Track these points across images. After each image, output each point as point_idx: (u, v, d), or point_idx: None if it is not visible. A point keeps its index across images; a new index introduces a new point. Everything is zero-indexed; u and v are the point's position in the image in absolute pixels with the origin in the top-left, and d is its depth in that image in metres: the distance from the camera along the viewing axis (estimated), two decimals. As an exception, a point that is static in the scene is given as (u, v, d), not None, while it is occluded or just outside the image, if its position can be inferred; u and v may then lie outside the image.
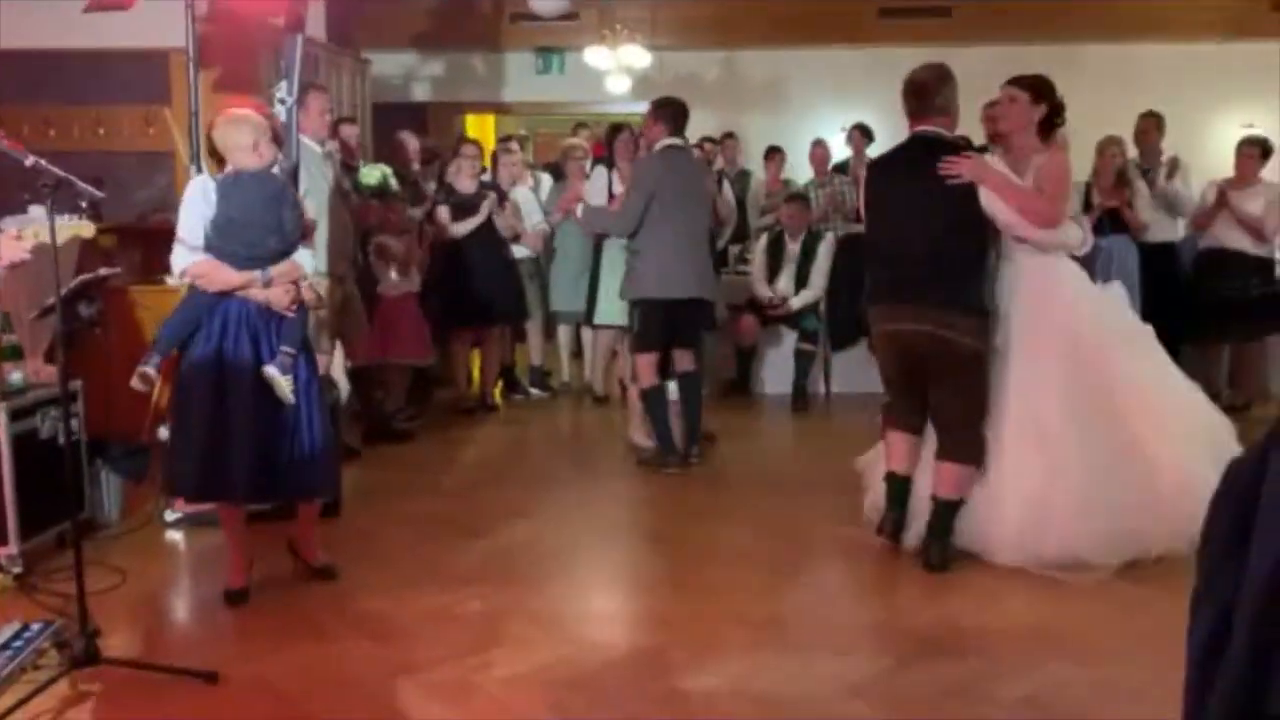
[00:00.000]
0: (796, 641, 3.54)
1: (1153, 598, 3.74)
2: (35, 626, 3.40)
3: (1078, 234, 4.28)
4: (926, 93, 4.12)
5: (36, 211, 5.34)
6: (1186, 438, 4.21)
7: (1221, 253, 6.83)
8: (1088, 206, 6.73)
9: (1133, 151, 6.93)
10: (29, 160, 2.92)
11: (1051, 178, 4.12)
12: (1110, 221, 6.71)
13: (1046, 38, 8.89)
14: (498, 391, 7.42)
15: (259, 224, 3.71)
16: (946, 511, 4.09)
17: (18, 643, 3.28)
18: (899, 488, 4.28)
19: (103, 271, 3.46)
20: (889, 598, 3.92)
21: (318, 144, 5.53)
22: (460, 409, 7.13)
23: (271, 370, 3.67)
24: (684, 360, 5.74)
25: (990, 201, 4.04)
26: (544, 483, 5.58)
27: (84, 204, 3.29)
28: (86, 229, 3.04)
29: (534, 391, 7.64)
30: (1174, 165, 6.84)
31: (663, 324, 5.56)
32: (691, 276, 5.53)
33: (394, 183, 6.50)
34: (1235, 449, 3.73)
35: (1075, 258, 4.40)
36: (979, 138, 7.08)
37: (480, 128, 11.02)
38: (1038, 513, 4.04)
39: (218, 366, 3.64)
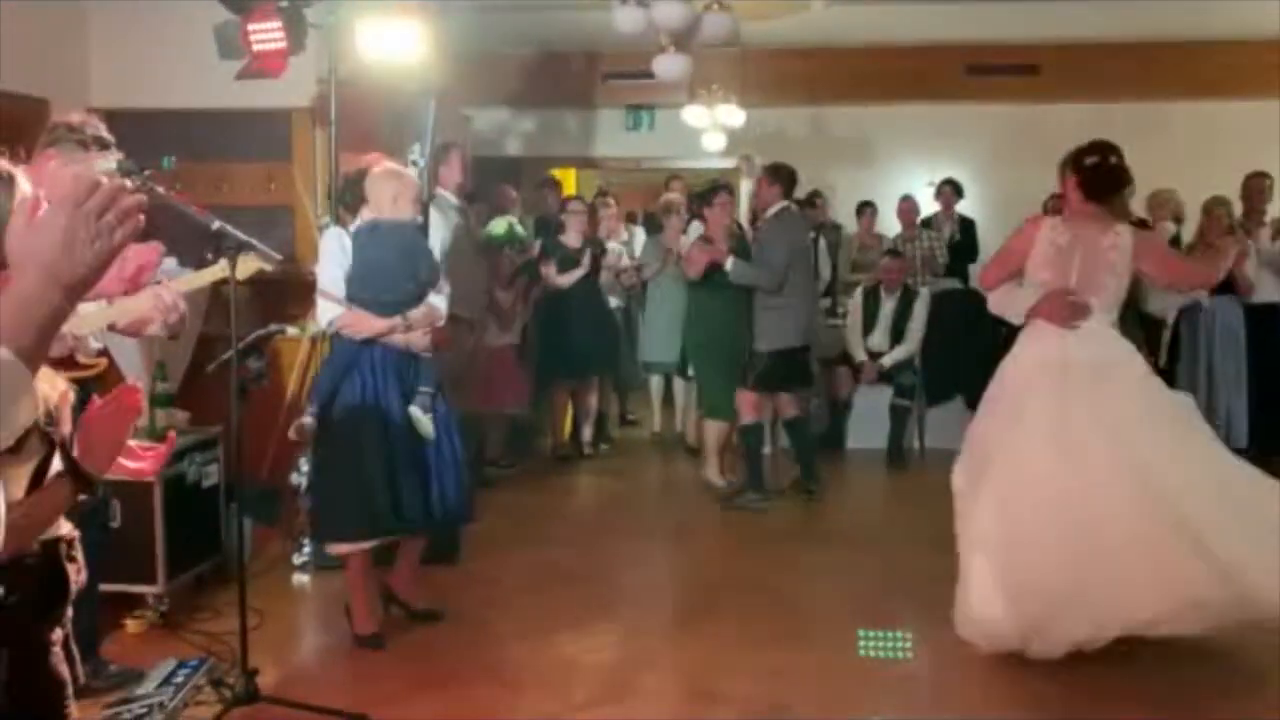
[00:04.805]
0: (919, 696, 3.59)
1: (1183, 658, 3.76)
2: (191, 663, 3.58)
3: None
4: None
5: (169, 265, 5.61)
6: None
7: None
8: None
9: (1238, 210, 6.90)
10: (215, 224, 3.10)
11: None
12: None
13: (1133, 96, 8.91)
14: (591, 440, 7.53)
15: (397, 271, 3.90)
16: None
17: (177, 678, 3.46)
18: None
19: (272, 327, 3.65)
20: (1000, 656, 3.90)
21: (454, 197, 5.74)
22: (556, 456, 7.26)
23: (415, 410, 3.86)
24: (791, 406, 6.23)
25: None
26: (648, 533, 5.68)
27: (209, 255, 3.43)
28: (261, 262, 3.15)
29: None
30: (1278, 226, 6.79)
31: (789, 368, 6.05)
32: (810, 326, 6.22)
33: (520, 231, 6.70)
34: None
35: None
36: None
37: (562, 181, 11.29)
38: None
39: (370, 410, 3.81)
